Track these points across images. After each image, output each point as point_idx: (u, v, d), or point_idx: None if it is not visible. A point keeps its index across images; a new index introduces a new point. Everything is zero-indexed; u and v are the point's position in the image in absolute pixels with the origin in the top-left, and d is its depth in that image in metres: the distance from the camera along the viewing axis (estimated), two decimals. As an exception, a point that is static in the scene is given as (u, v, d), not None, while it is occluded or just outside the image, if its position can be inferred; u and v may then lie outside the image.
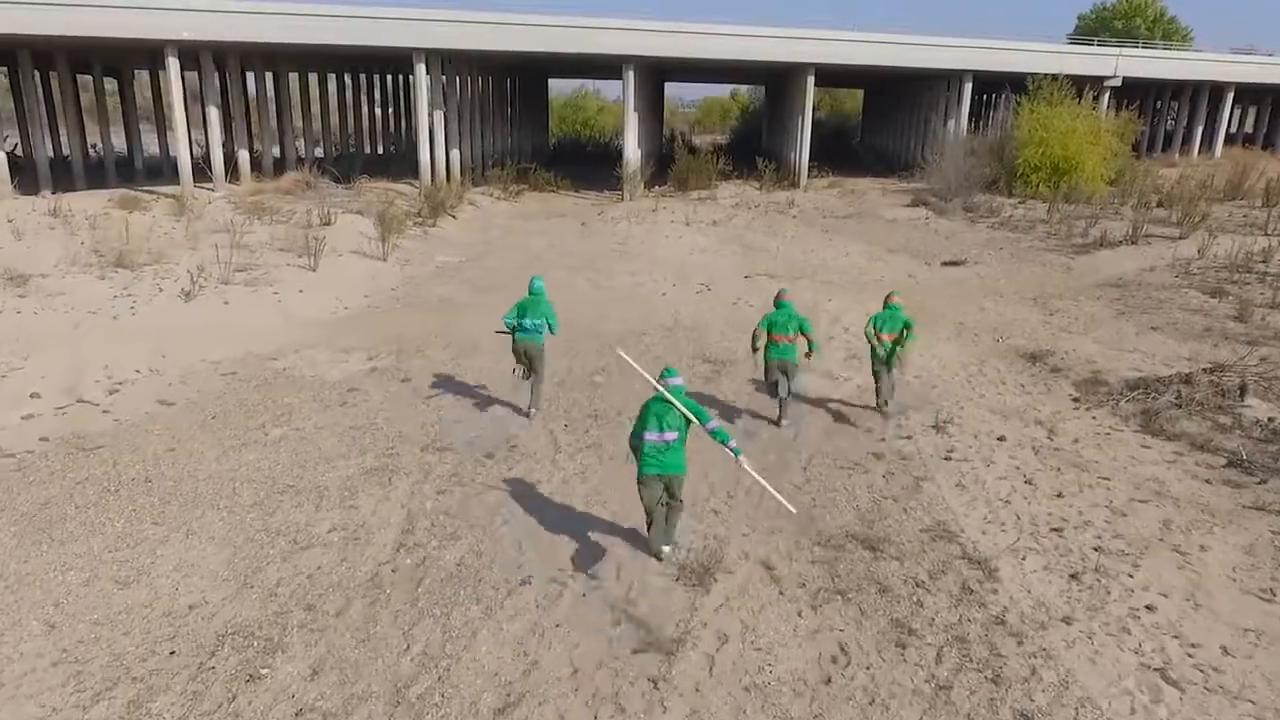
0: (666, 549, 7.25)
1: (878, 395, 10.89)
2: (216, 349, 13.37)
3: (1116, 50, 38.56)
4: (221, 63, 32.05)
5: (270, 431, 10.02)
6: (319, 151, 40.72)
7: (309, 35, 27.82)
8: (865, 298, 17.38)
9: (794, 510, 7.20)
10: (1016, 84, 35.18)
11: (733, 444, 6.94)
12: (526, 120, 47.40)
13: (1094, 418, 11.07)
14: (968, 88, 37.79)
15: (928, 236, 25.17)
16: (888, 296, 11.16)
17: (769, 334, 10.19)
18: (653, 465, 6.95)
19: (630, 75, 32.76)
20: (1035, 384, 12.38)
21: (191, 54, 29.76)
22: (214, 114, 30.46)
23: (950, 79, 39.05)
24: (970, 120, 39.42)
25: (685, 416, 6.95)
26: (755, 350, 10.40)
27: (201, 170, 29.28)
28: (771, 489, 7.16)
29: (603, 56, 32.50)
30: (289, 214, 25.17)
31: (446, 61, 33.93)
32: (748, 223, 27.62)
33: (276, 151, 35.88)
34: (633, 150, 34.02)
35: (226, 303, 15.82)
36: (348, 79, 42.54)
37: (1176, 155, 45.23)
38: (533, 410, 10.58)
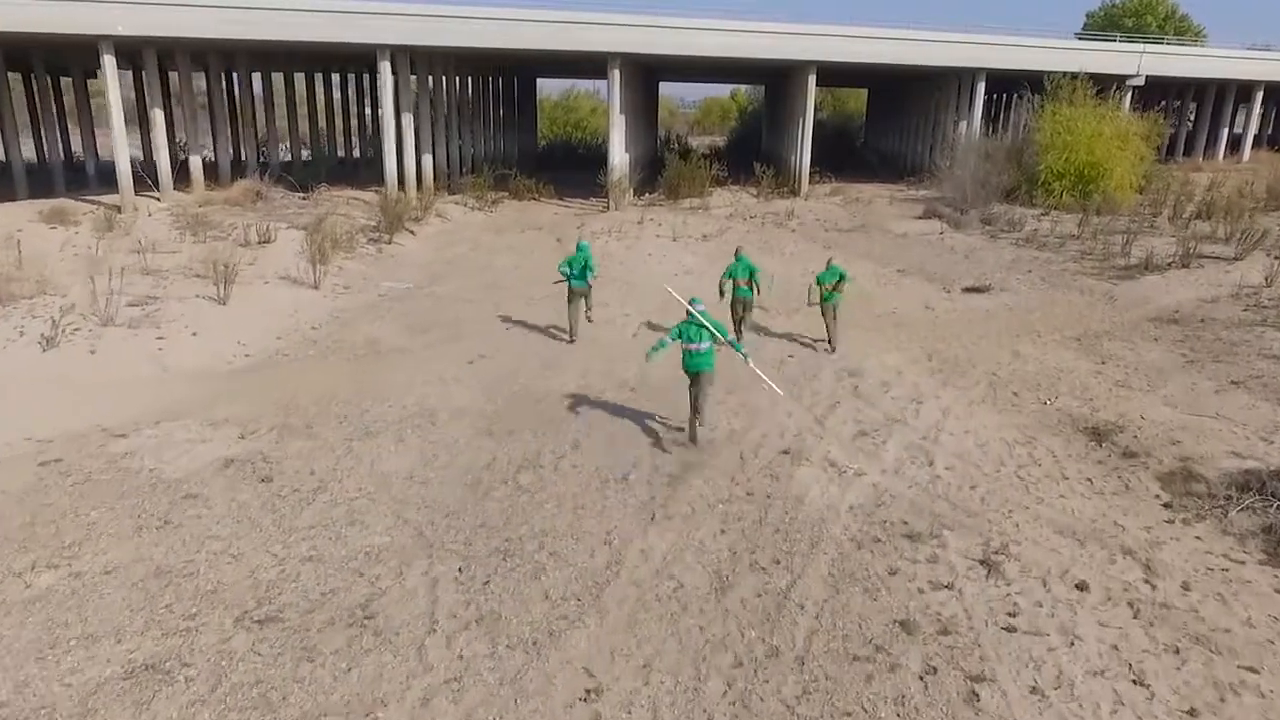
0: (702, 430, 9.76)
1: (829, 339, 13.91)
2: (55, 419, 10.26)
3: (1140, 47, 35.23)
4: (172, 61, 28.94)
5: (39, 576, 6.90)
6: (287, 156, 37.59)
7: (252, 30, 24.65)
8: (879, 337, 14.20)
9: (781, 393, 10.55)
10: (1032, 83, 31.95)
11: (743, 351, 10.24)
12: (513, 122, 44.22)
13: (1198, 538, 7.91)
14: (980, 87, 34.49)
15: (943, 255, 21.96)
16: (829, 260, 14.50)
17: (733, 280, 13.56)
18: (691, 364, 9.53)
19: (615, 74, 29.54)
20: (1107, 478, 9.20)
21: (134, 51, 26.69)
22: (158, 116, 27.38)
23: (961, 77, 35.76)
24: (983, 122, 36.14)
25: (712, 331, 9.45)
26: (722, 295, 13.69)
27: (162, 176, 26.34)
28: (765, 378, 10.14)
29: (585, 53, 29.30)
30: (229, 229, 22.13)
31: (417, 60, 30.76)
32: (742, 237, 24.35)
33: (245, 155, 32.83)
34: (618, 155, 30.81)
35: (93, 351, 12.67)
36: (319, 79, 39.40)
37: (1200, 159, 41.88)
38: (573, 337, 14.13)
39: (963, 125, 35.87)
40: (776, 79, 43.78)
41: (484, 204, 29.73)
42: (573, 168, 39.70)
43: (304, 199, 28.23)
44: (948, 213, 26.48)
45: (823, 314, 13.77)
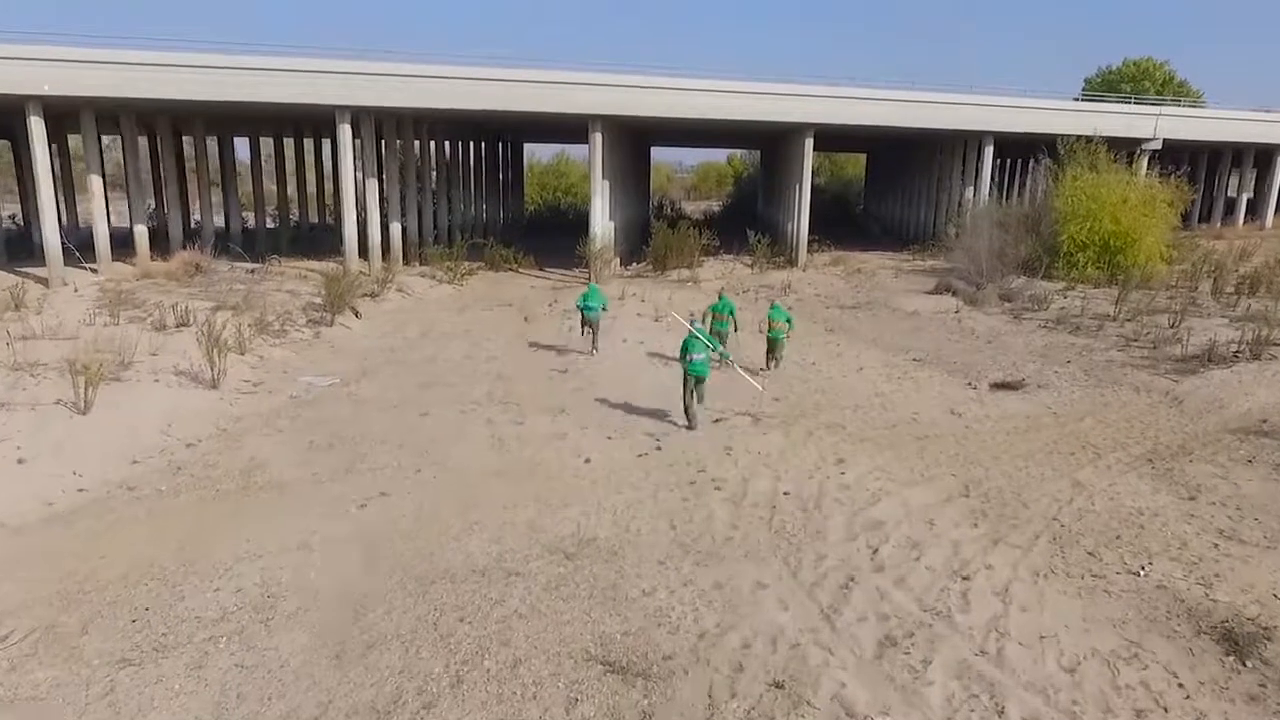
0: (699, 420, 12.21)
1: (770, 360, 15.74)
2: None
3: (1156, 109, 32.71)
4: (120, 123, 26.37)
5: None
6: (250, 224, 34.85)
7: (188, 91, 22.05)
8: (898, 459, 10.87)
9: (761, 389, 13.20)
10: (1044, 146, 29.34)
11: (731, 358, 13.78)
12: (499, 188, 41.70)
13: None
14: (989, 151, 31.88)
15: (963, 339, 18.81)
16: (772, 300, 17.41)
17: (713, 315, 15.65)
18: (692, 369, 12.04)
19: (597, 137, 26.91)
20: (1273, 736, 5.86)
21: (73, 112, 24.10)
22: (95, 183, 24.63)
23: (967, 141, 33.21)
24: (992, 187, 33.46)
25: (706, 344, 12.33)
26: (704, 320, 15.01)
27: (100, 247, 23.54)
28: (746, 376, 13.15)
29: (565, 115, 26.69)
30: (153, 307, 19.11)
31: (385, 122, 28.21)
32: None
33: (199, 224, 30.11)
34: (600, 223, 28.00)
35: None
36: (289, 143, 36.92)
37: (1219, 225, 39.12)
38: (594, 350, 16.87)
39: (970, 191, 33.21)
40: (772, 143, 41.40)
41: (454, 277, 26.77)
42: (561, 234, 36.96)
43: (253, 272, 25.34)
44: (962, 287, 23.45)
45: (770, 348, 15.78)
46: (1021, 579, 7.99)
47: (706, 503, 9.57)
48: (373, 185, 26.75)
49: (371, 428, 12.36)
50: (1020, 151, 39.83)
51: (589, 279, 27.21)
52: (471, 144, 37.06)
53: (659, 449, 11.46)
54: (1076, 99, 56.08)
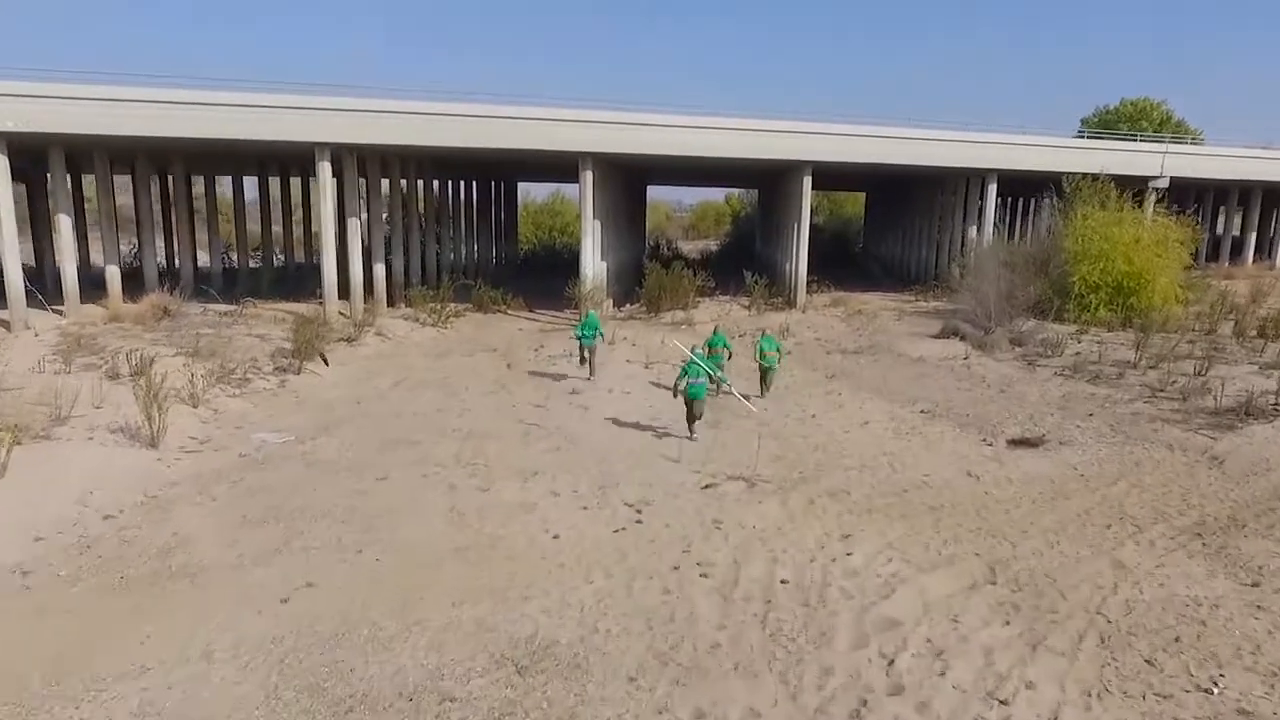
0: (696, 434, 13.28)
1: (763, 387, 16.28)
2: None
3: (1163, 146, 31.71)
4: (95, 160, 25.29)
5: None
6: (232, 264, 33.71)
7: (160, 127, 21.00)
8: (912, 534, 9.36)
9: (754, 410, 14.20)
10: (1048, 184, 28.31)
11: (728, 383, 14.29)
12: (490, 227, 40.64)
13: None
14: (992, 189, 30.82)
15: (974, 388, 17.41)
16: (763, 330, 18.49)
17: (708, 349, 15.50)
18: (692, 392, 12.91)
19: (588, 175, 25.83)
20: None
21: (42, 149, 23.06)
22: (63, 222, 23.49)
23: (969, 179, 32.18)
24: (995, 226, 32.33)
25: (708, 370, 13.20)
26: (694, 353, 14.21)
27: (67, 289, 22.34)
28: (740, 398, 13.95)
29: (554, 153, 25.65)
30: (113, 354, 17.82)
31: (369, 160, 27.17)
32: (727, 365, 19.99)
33: (179, 264, 28.95)
34: (591, 264, 26.82)
35: None
36: (274, 181, 35.90)
37: (1227, 264, 37.95)
38: (591, 377, 17.63)
39: (973, 230, 32.11)
40: (770, 181, 40.44)
41: (438, 319, 25.47)
42: (554, 274, 35.81)
43: (227, 314, 24.09)
44: (969, 331, 22.12)
45: (762, 376, 16.35)
46: (1072, 701, 6.49)
47: (690, 595, 8.09)
48: (355, 225, 25.59)
49: (319, 495, 10.91)
50: (1024, 189, 38.86)
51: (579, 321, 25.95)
52: (463, 183, 36.04)
53: (639, 522, 10.01)
54: (1080, 134, 55.55)
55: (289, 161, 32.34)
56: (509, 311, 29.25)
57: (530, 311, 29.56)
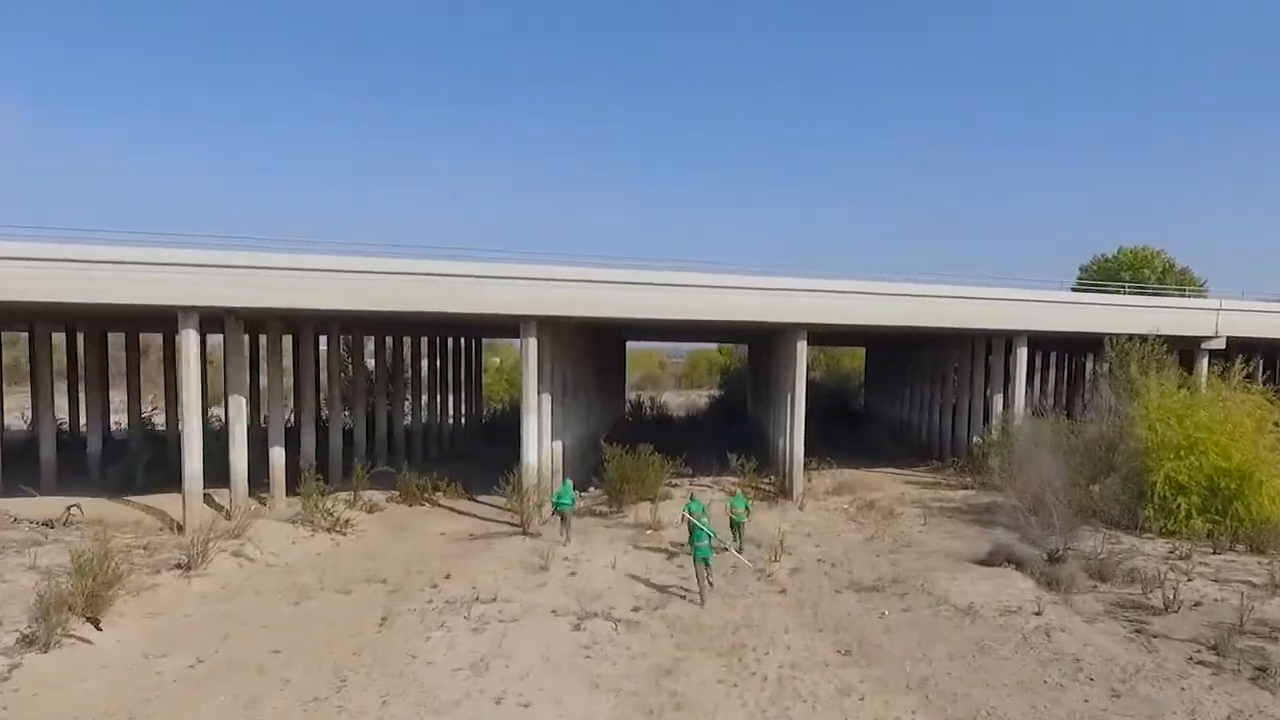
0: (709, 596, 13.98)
1: (738, 543, 17.07)
2: None
3: (1216, 303, 26.43)
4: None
5: None
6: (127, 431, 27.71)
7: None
8: None
9: (751, 565, 15.73)
10: (1087, 345, 22.86)
11: (726, 544, 16.02)
12: (449, 387, 35.02)
13: None
14: (1023, 352, 25.30)
15: (1067, 683, 10.85)
16: (736, 492, 19.77)
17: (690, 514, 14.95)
18: (699, 553, 13.89)
19: (532, 344, 20.35)
20: None
21: None
22: None
23: (992, 339, 26.78)
24: (1027, 391, 26.60)
25: (710, 533, 14.12)
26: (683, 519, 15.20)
27: None
28: (740, 556, 15.79)
29: (491, 316, 20.35)
30: None
31: (263, 317, 21.82)
32: (694, 618, 13.60)
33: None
34: (537, 451, 20.90)
35: None
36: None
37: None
38: (566, 542, 17.74)
39: (998, 398, 26.40)
40: (762, 339, 35.20)
41: (332, 523, 19.25)
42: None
43: (47, 524, 17.97)
44: (1026, 553, 15.77)
45: (734, 531, 17.38)
46: None
47: None
48: (239, 402, 19.90)
49: None
50: (1055, 346, 33.55)
51: (520, 527, 19.71)
52: (407, 340, 30.72)
53: None
54: (1074, 288, 50.27)
55: (147, 324, 27.01)
56: (442, 501, 23.12)
57: (470, 498, 23.42)
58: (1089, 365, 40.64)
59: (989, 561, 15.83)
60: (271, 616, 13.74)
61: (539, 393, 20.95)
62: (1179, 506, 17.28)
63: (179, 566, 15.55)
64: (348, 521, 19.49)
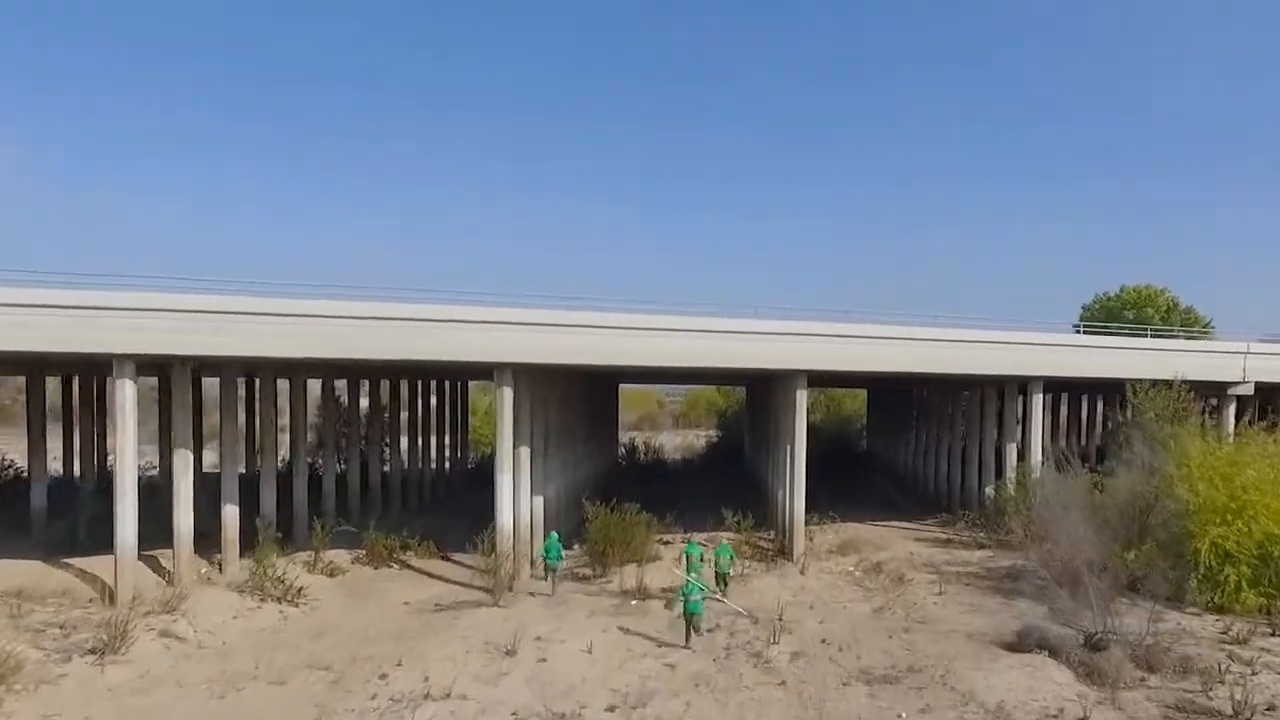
0: (695, 640, 14.36)
1: (724, 594, 16.98)
2: None
3: (1243, 346, 24.62)
4: None
5: None
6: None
7: None
8: None
9: (744, 612, 15.71)
10: (1104, 390, 21.01)
11: (716, 595, 16.37)
12: (426, 433, 32.99)
13: None
14: (1038, 399, 23.42)
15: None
16: (722, 542, 19.14)
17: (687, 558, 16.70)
18: (690, 608, 14.34)
19: (507, 393, 18.51)
20: None
21: None
22: None
23: (1004, 384, 24.95)
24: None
25: (700, 587, 14.76)
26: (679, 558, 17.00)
27: None
28: (732, 604, 15.97)
29: (464, 364, 18.55)
30: None
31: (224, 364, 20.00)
32: (683, 712, 11.53)
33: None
34: (512, 509, 18.95)
35: None
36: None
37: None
38: (554, 592, 17.56)
39: (1011, 445, 24.47)
40: (760, 383, 33.35)
41: (283, 593, 17.20)
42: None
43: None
44: (1060, 635, 13.73)
45: (719, 581, 17.55)
46: None
47: None
48: (184, 455, 17.99)
49: None
50: (1062, 388, 31.73)
51: (492, 594, 17.66)
52: (385, 382, 28.86)
53: None
54: (1075, 327, 48.15)
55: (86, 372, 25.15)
56: (413, 563, 21.07)
57: (444, 557, 21.35)
58: (1099, 408, 38.76)
59: (1018, 646, 13.77)
60: (188, 716, 11.69)
61: (515, 446, 19.04)
62: (1227, 578, 15.26)
63: (94, 651, 13.52)
64: (300, 590, 17.43)
